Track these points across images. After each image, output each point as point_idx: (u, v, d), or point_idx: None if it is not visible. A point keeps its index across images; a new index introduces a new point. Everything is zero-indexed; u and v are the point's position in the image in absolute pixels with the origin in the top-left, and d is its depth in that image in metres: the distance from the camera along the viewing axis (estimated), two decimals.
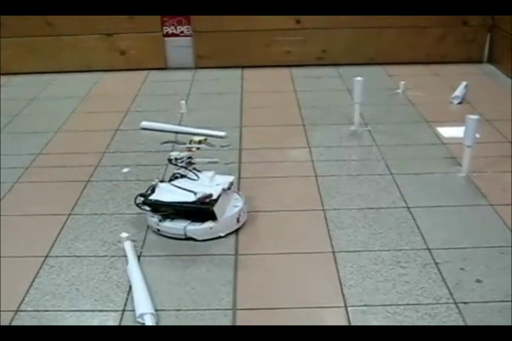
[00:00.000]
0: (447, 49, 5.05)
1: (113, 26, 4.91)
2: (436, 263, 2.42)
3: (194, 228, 2.58)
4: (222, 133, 3.63)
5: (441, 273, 2.36)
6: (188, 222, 2.60)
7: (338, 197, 2.92)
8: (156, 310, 2.16)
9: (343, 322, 2.12)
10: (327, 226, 2.67)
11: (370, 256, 2.48)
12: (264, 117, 3.96)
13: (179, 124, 3.82)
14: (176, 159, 2.73)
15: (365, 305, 2.20)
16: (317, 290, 2.29)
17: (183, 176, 2.75)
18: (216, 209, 2.56)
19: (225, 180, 2.74)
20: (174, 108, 4.12)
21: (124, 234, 2.57)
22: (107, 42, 4.98)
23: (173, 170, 2.81)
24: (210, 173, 2.76)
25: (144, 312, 2.12)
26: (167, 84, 4.77)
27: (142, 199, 2.65)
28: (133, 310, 2.17)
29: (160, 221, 2.62)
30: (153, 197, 2.65)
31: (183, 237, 2.59)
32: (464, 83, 4.34)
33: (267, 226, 2.70)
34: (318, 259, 2.47)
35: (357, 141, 3.56)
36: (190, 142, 2.73)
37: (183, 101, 4.12)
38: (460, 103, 4.14)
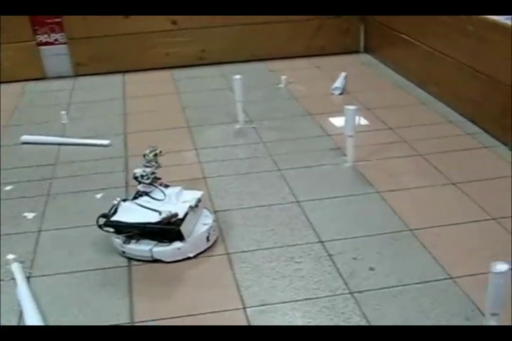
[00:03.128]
0: (325, 41, 5.13)
1: None
2: (329, 255, 2.44)
3: (161, 249, 2.44)
4: (106, 142, 3.56)
5: (335, 265, 2.38)
6: (154, 243, 2.46)
7: (228, 198, 2.90)
8: None
9: (243, 324, 2.10)
10: (219, 228, 2.64)
11: (264, 254, 2.47)
12: (148, 122, 3.88)
13: (62, 136, 3.69)
14: (142, 176, 2.57)
15: (264, 305, 2.19)
16: (214, 295, 2.26)
17: (147, 194, 2.59)
18: (183, 228, 2.41)
19: (192, 197, 2.58)
20: (55, 119, 3.97)
21: (11, 256, 2.45)
22: None
23: (57, 185, 2.70)
24: (177, 189, 2.61)
25: None
26: (46, 94, 4.61)
27: (104, 220, 2.48)
28: None
29: (124, 243, 2.47)
30: (115, 217, 2.48)
31: (150, 259, 2.45)
32: (344, 74, 4.42)
33: None
34: (213, 263, 2.44)
35: (243, 139, 3.55)
36: (144, 156, 2.58)
37: (64, 112, 3.99)
38: (341, 94, 4.21)
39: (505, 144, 3.32)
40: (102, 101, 4.37)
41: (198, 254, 2.48)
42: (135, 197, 2.59)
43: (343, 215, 2.72)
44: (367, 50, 5.22)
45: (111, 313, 2.18)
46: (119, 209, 2.52)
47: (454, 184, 2.95)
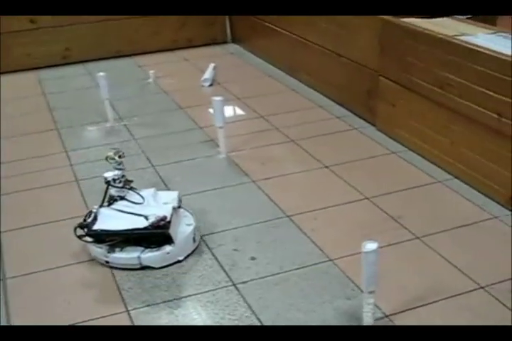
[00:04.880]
0: (191, 33, 5.09)
1: None
2: (210, 249, 2.42)
3: (150, 255, 2.31)
4: None
5: (216, 258, 2.37)
6: (141, 249, 2.32)
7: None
8: None
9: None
10: None
11: None
12: (16, 126, 3.70)
13: None
14: (114, 180, 2.41)
15: (148, 305, 2.14)
16: (97, 300, 2.19)
17: (123, 198, 2.44)
18: (171, 231, 2.30)
19: (170, 197, 2.46)
20: None
21: None
22: None
23: None
24: (151, 191, 2.48)
25: None
26: None
27: (84, 230, 2.32)
28: None
29: (109, 252, 2.32)
30: (97, 226, 2.31)
31: (137, 267, 2.32)
32: (212, 65, 4.40)
33: (33, 243, 2.53)
34: (95, 269, 2.36)
35: (115, 138, 3.46)
36: (107, 159, 2.42)
37: None
38: (211, 85, 4.19)
39: (373, 125, 3.41)
40: None
41: (186, 257, 2.39)
42: (110, 203, 2.44)
43: (220, 207, 2.70)
44: (235, 40, 5.23)
45: None
46: (99, 217, 2.36)
47: (327, 167, 3.00)
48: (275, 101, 3.89)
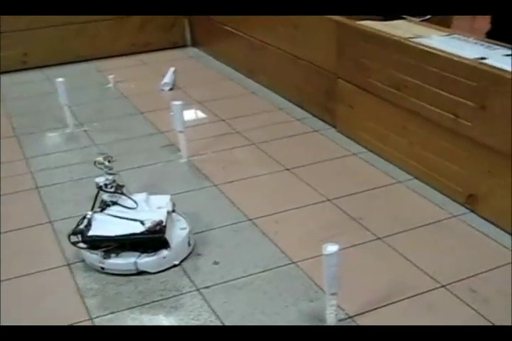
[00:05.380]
0: (150, 37, 5.07)
1: None
2: None
3: (147, 260, 2.30)
4: None
5: (179, 263, 2.36)
6: (137, 254, 2.31)
7: (65, 206, 2.79)
8: None
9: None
10: (57, 239, 2.54)
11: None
12: None
13: None
14: (106, 185, 2.39)
15: (111, 313, 2.13)
16: (59, 308, 2.17)
17: (116, 203, 2.41)
18: (167, 235, 2.30)
19: (162, 201, 2.46)
20: None
21: None
22: None
23: None
24: (143, 195, 2.46)
25: None
26: None
27: (79, 236, 2.29)
28: None
29: (105, 258, 2.29)
30: (92, 232, 2.29)
31: (134, 272, 2.30)
32: (172, 69, 4.39)
33: None
34: (55, 275, 2.34)
35: (75, 144, 3.43)
36: (95, 164, 2.40)
37: None
38: (171, 89, 4.18)
39: (333, 126, 3.44)
40: None
41: (182, 261, 2.38)
42: (103, 208, 2.41)
43: (182, 212, 2.69)
44: (194, 43, 5.22)
45: None
46: (94, 223, 2.34)
47: (288, 169, 3.02)
48: (236, 105, 3.90)
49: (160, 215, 2.34)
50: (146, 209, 2.41)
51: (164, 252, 2.33)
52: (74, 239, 2.34)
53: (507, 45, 2.71)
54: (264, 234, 2.51)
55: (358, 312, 2.07)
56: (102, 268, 2.33)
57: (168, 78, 4.24)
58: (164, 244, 2.33)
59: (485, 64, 2.43)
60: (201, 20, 4.92)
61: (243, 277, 2.27)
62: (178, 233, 2.42)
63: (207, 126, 3.60)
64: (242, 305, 2.13)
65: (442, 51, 2.59)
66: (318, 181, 2.89)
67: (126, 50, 5.01)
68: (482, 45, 2.71)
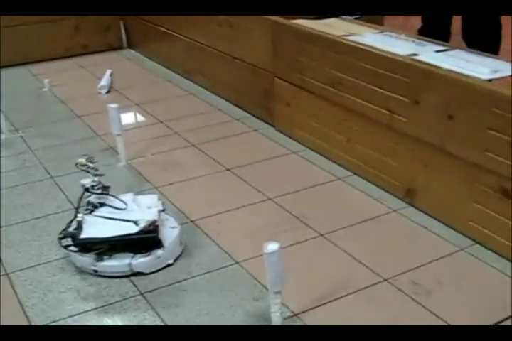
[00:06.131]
0: (85, 39, 4.99)
1: None
2: None
3: (141, 261, 2.26)
4: None
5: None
6: (130, 255, 2.26)
7: (1, 214, 2.71)
8: None
9: None
10: None
11: (46, 268, 2.35)
12: None
13: None
14: (93, 186, 2.35)
15: (53, 321, 2.09)
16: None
17: (102, 205, 2.36)
18: (160, 235, 2.28)
19: (151, 201, 2.44)
20: None
21: None
22: None
23: None
24: (129, 196, 2.42)
25: None
26: None
27: (70, 239, 2.25)
28: None
29: (98, 261, 2.24)
30: (84, 234, 2.24)
31: (128, 274, 2.25)
32: (109, 71, 4.35)
33: None
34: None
35: (10, 150, 3.35)
36: (77, 165, 2.38)
37: None
38: (108, 92, 4.13)
39: (272, 125, 3.46)
40: None
41: (176, 259, 2.35)
42: (91, 210, 2.37)
43: None
44: (130, 45, 5.17)
45: None
46: (85, 226, 2.29)
47: (228, 170, 3.02)
48: (174, 106, 3.88)
49: (152, 215, 2.33)
50: (136, 209, 2.39)
51: (159, 252, 2.31)
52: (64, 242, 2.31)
53: (437, 41, 2.77)
54: (207, 235, 2.51)
55: (303, 309, 2.08)
56: (95, 271, 2.29)
57: (104, 81, 4.19)
58: (157, 244, 2.31)
59: (416, 60, 2.48)
60: (136, 22, 4.88)
61: (187, 279, 2.26)
62: (169, 232, 2.41)
63: (145, 129, 3.57)
64: (187, 308, 2.11)
65: (375, 48, 2.63)
66: (259, 180, 2.90)
67: (61, 53, 4.91)
68: (413, 41, 2.76)
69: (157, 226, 2.30)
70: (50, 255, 2.43)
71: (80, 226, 2.32)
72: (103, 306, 2.15)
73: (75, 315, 2.11)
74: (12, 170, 3.12)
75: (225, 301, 2.14)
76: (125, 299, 2.17)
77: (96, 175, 2.42)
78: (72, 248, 2.31)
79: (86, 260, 2.30)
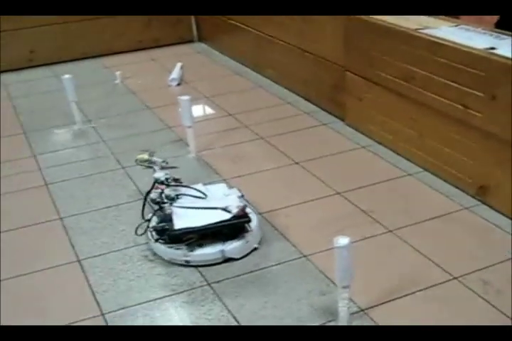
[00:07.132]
0: (157, 33, 5.06)
1: None
2: None
3: (233, 246, 2.31)
4: None
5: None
6: (220, 242, 2.31)
7: (74, 202, 2.79)
8: None
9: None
10: (67, 235, 2.54)
11: (117, 256, 2.40)
12: None
13: None
14: (167, 179, 2.47)
15: (123, 308, 2.13)
16: (70, 305, 2.16)
17: (183, 195, 2.46)
18: None
19: (222, 189, 2.53)
20: None
21: None
22: None
23: None
24: (200, 185, 2.52)
25: None
26: None
27: (166, 232, 2.32)
28: None
29: (190, 251, 2.29)
30: (178, 226, 2.30)
31: (220, 261, 2.30)
32: (180, 64, 4.39)
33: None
34: (65, 272, 2.34)
35: (83, 140, 3.43)
36: (136, 161, 2.52)
37: None
38: (179, 84, 4.18)
39: (341, 120, 3.43)
40: None
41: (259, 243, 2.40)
42: (170, 203, 2.43)
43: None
44: (201, 38, 5.21)
45: None
46: (175, 217, 2.35)
47: (297, 163, 3.01)
48: (243, 99, 3.89)
49: (234, 201, 2.38)
50: (216, 197, 2.43)
51: (248, 236, 2.34)
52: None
53: None
54: (274, 228, 2.51)
55: (370, 305, 2.06)
56: (187, 262, 2.31)
57: (175, 73, 4.24)
58: (245, 228, 2.35)
59: (494, 54, 2.41)
60: (207, 16, 4.91)
61: (254, 271, 2.26)
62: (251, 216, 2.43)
63: (215, 121, 3.59)
64: (254, 299, 2.12)
65: (451, 42, 2.57)
66: (327, 174, 2.88)
67: (133, 46, 5.00)
68: (491, 35, 2.69)
69: (247, 211, 2.34)
70: (120, 243, 2.48)
71: (168, 219, 2.35)
72: (171, 295, 2.17)
73: (144, 302, 2.14)
74: (85, 160, 3.19)
75: (292, 294, 2.13)
76: (193, 289, 2.19)
77: (163, 168, 2.44)
78: (161, 241, 2.34)
79: (177, 252, 2.31)
